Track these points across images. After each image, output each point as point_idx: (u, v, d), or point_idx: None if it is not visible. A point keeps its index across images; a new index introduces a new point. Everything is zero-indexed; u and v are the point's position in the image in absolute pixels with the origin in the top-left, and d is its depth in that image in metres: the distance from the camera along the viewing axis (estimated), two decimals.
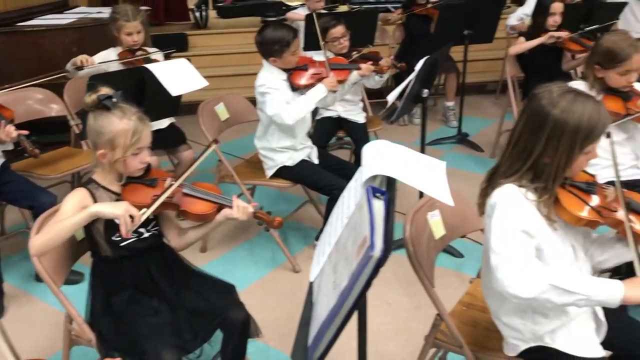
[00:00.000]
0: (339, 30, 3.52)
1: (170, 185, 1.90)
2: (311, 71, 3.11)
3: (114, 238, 1.88)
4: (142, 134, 1.82)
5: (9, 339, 1.24)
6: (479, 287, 1.97)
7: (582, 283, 1.54)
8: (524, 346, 1.77)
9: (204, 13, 6.57)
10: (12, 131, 2.68)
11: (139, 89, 2.80)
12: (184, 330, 1.91)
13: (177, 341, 1.86)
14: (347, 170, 2.88)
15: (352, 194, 1.63)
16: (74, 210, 1.79)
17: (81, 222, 1.76)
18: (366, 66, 3.26)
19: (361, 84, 3.69)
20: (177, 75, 2.82)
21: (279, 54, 2.95)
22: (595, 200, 1.74)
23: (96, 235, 1.88)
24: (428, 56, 2.92)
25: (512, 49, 4.21)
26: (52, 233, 1.74)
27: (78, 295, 2.04)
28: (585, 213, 1.69)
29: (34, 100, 3.43)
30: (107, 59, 3.31)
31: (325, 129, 3.68)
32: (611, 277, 2.67)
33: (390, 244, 1.29)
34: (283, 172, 3.09)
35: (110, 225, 1.86)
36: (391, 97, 3.03)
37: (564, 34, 3.99)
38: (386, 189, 1.50)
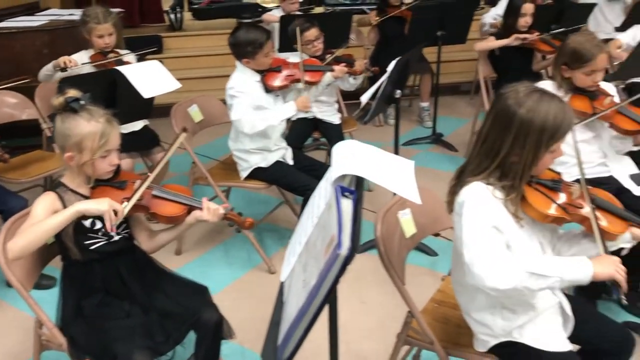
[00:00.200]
0: (312, 32, 3.54)
1: (147, 178, 1.89)
2: (285, 72, 3.12)
3: (84, 242, 1.87)
4: (110, 136, 1.81)
5: None
6: (450, 285, 1.99)
7: (555, 266, 1.58)
8: (493, 342, 1.80)
9: (178, 15, 6.53)
10: None
11: (111, 92, 2.78)
12: (156, 333, 1.90)
13: (148, 343, 1.86)
14: (322, 171, 2.87)
15: (323, 193, 1.64)
16: (45, 214, 1.78)
17: (65, 222, 1.76)
18: (339, 68, 3.28)
19: (336, 85, 3.71)
20: (149, 77, 2.81)
21: (252, 55, 2.95)
22: (561, 197, 1.78)
23: (65, 239, 1.87)
24: (400, 57, 2.95)
25: (477, 45, 4.30)
26: (32, 235, 1.73)
27: (50, 300, 2.02)
28: (551, 210, 1.73)
29: (4, 104, 3.39)
30: (79, 62, 3.28)
31: (300, 130, 3.69)
32: None
33: (357, 243, 1.31)
34: (257, 174, 3.10)
35: (80, 229, 1.85)
36: (364, 98, 3.06)
37: (529, 36, 4.06)
38: (355, 188, 1.51)
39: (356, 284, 2.99)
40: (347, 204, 1.42)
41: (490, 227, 1.63)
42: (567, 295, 1.89)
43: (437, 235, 2.89)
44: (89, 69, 3.26)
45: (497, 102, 1.71)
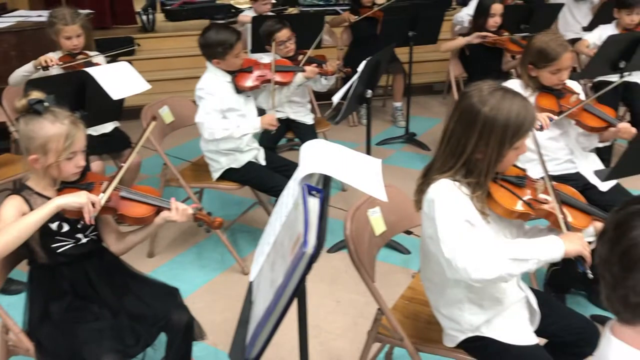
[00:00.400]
0: (284, 33, 3.54)
1: (120, 169, 1.89)
2: (256, 73, 3.12)
3: (51, 245, 1.85)
4: (76, 138, 1.79)
5: None
6: (421, 282, 2.01)
7: (530, 248, 1.62)
8: (462, 337, 1.83)
9: (151, 16, 6.48)
10: None
11: (80, 93, 2.75)
12: (126, 335, 1.89)
13: (118, 346, 1.84)
14: (295, 171, 2.90)
15: (291, 192, 1.65)
16: (15, 216, 1.76)
17: (45, 218, 1.74)
18: (311, 68, 3.29)
19: (308, 85, 3.72)
20: (118, 79, 2.78)
21: (222, 56, 2.95)
22: (525, 193, 1.81)
23: (32, 242, 1.84)
24: (370, 57, 2.97)
25: (443, 46, 4.37)
26: (10, 234, 1.69)
27: (19, 305, 1.99)
28: (516, 206, 1.76)
29: None
30: None
31: (273, 131, 3.68)
32: (550, 267, 2.78)
33: (323, 241, 1.31)
34: (229, 175, 3.09)
35: (47, 232, 1.83)
36: (336, 98, 3.07)
37: (489, 34, 4.14)
38: (322, 187, 1.52)
39: (331, 284, 3.00)
40: (314, 203, 1.42)
41: (463, 221, 1.64)
42: (534, 290, 1.93)
43: (409, 233, 2.93)
44: (57, 70, 3.21)
45: (461, 100, 1.74)
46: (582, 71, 3.78)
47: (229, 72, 3.02)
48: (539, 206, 1.79)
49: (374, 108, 5.80)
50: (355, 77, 2.92)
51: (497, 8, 4.19)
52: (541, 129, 2.56)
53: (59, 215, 1.80)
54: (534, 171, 1.95)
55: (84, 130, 1.85)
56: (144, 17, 6.45)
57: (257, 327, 1.41)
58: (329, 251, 3.28)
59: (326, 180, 1.56)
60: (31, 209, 1.79)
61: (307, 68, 3.28)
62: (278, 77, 3.20)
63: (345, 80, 4.76)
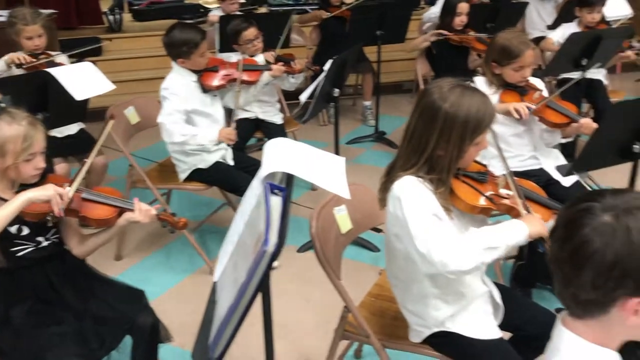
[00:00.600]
0: (251, 32, 3.53)
1: (84, 164, 1.87)
2: (222, 72, 3.10)
3: (11, 249, 1.82)
4: (34, 139, 1.76)
5: None
6: (387, 278, 2.02)
7: (498, 235, 1.65)
8: (427, 332, 1.84)
9: (117, 16, 6.39)
10: None
11: (42, 94, 2.69)
12: (89, 339, 1.87)
13: (82, 350, 1.82)
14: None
15: (254, 191, 1.65)
16: None
17: (14, 212, 1.72)
18: (277, 67, 3.28)
19: (276, 84, 3.71)
20: (81, 79, 2.74)
21: (187, 55, 2.93)
22: (487, 188, 1.83)
23: None
24: (336, 56, 2.98)
25: (408, 45, 4.41)
26: None
27: None
28: (478, 201, 1.78)
29: None
30: None
31: (242, 131, 3.65)
32: (515, 262, 2.83)
33: (283, 239, 1.31)
34: (197, 175, 3.06)
35: (6, 236, 1.79)
36: (303, 97, 3.07)
37: (447, 32, 4.20)
38: (285, 186, 1.52)
39: (301, 283, 3.00)
40: (276, 201, 1.42)
41: (432, 215, 1.66)
42: (498, 284, 1.95)
43: (379, 231, 2.94)
44: (19, 71, 3.15)
45: (422, 98, 1.76)
46: (546, 69, 3.84)
47: (194, 71, 3.00)
48: (500, 201, 1.81)
49: (344, 107, 5.82)
50: (322, 76, 2.93)
51: (463, 7, 4.24)
52: (520, 118, 2.60)
53: (19, 219, 1.77)
54: (499, 167, 1.98)
55: (43, 131, 1.82)
56: (111, 17, 6.36)
57: (220, 327, 1.40)
58: (299, 251, 3.28)
59: (289, 179, 1.56)
60: None
61: (274, 67, 3.28)
62: (245, 76, 3.18)
63: (314, 78, 4.78)
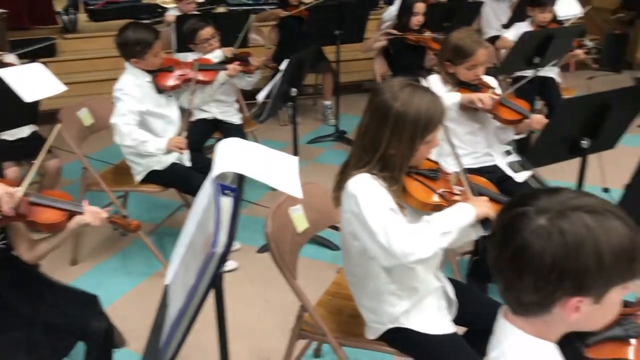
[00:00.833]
0: (207, 31, 3.50)
1: (30, 171, 1.83)
2: (177, 72, 3.07)
3: None
4: None
5: None
6: (345, 276, 2.03)
7: (449, 220, 1.68)
8: (383, 329, 1.86)
9: (72, 16, 6.26)
10: None
11: None
12: (41, 346, 1.83)
13: (33, 358, 1.78)
14: None
15: (206, 192, 1.63)
16: None
17: None
18: (233, 66, 3.26)
19: (234, 84, 3.69)
20: (31, 81, 2.67)
21: (141, 55, 2.88)
22: (439, 185, 1.85)
23: None
24: (292, 56, 2.97)
25: (362, 47, 4.45)
26: None
27: None
28: (430, 198, 1.80)
29: None
30: None
31: (199, 131, 3.63)
32: (471, 258, 2.87)
33: (232, 240, 1.31)
34: (153, 177, 3.02)
35: None
36: (260, 97, 3.06)
37: (395, 32, 4.26)
38: (237, 186, 1.51)
39: (261, 284, 2.99)
40: (226, 202, 1.41)
41: (388, 209, 1.67)
42: (451, 280, 1.98)
43: (338, 229, 2.94)
44: None
45: (374, 97, 1.77)
46: (499, 67, 3.92)
47: (148, 71, 2.96)
48: (452, 198, 1.84)
49: (305, 107, 5.83)
50: (278, 75, 2.92)
51: (419, 7, 4.29)
52: (482, 108, 2.65)
53: None
54: (453, 164, 2.00)
55: None
56: (65, 17, 6.22)
57: (170, 330, 1.38)
58: (259, 251, 3.27)
59: (241, 179, 1.55)
60: None
61: (230, 66, 3.25)
62: (200, 76, 3.15)
63: (273, 78, 4.77)
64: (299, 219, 2.07)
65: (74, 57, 5.86)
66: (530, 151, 2.39)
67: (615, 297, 0.98)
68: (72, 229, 1.90)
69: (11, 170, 3.15)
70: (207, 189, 1.63)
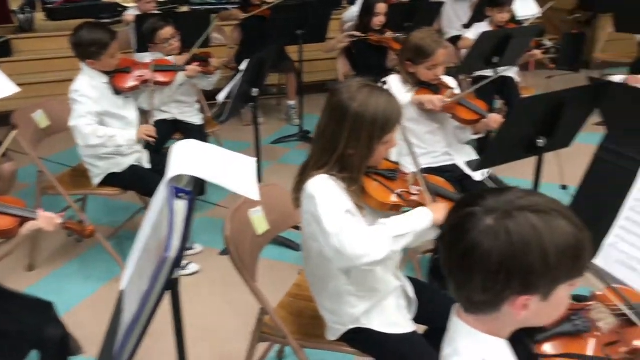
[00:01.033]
0: (167, 31, 3.45)
1: None
2: (135, 73, 3.01)
3: None
4: None
5: None
6: (306, 278, 2.02)
7: (405, 223, 1.68)
8: (343, 329, 1.85)
9: (29, 15, 6.10)
10: None
11: None
12: None
13: None
14: None
15: (161, 195, 1.60)
16: None
17: None
18: (192, 67, 3.22)
19: (195, 84, 3.64)
20: None
21: (97, 56, 2.82)
22: (397, 185, 1.86)
23: None
24: (252, 56, 2.95)
25: (324, 47, 4.46)
26: None
27: None
28: (389, 199, 1.81)
29: None
30: None
31: (159, 132, 3.54)
32: (432, 256, 2.90)
33: (185, 244, 1.29)
34: (111, 179, 2.97)
35: None
36: (220, 97, 3.03)
37: (357, 33, 4.29)
38: (192, 189, 1.49)
39: (223, 286, 2.97)
40: (180, 205, 1.39)
41: (345, 211, 1.67)
42: (411, 278, 1.99)
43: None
44: None
45: (332, 97, 1.76)
46: (459, 67, 3.97)
47: (105, 72, 2.90)
48: (410, 197, 1.85)
49: (269, 107, 5.81)
50: (238, 76, 2.90)
51: (381, 7, 4.31)
52: (433, 109, 2.67)
53: None
54: (412, 164, 2.01)
55: None
56: (21, 16, 6.07)
57: (124, 336, 1.36)
58: (221, 254, 3.23)
59: (196, 182, 1.53)
60: None
61: (189, 67, 3.21)
62: (159, 77, 3.11)
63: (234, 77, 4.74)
64: (259, 221, 2.05)
65: (30, 57, 5.71)
66: (486, 151, 2.42)
67: (563, 294, 0.99)
68: (25, 235, 1.86)
69: None
70: (161, 192, 1.61)
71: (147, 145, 3.16)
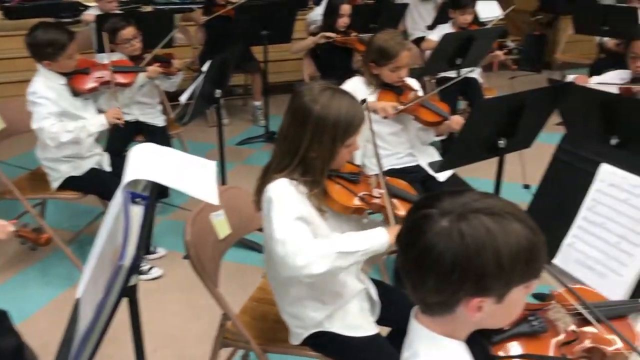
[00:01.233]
0: (129, 31, 3.39)
1: None
2: (94, 74, 2.95)
3: None
4: None
5: None
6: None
7: (357, 241, 1.66)
8: (306, 333, 1.84)
9: None
10: None
11: None
12: None
13: None
14: None
15: (117, 201, 1.57)
16: None
17: None
18: (153, 68, 3.17)
19: (157, 85, 3.59)
20: None
21: (54, 57, 2.75)
22: (360, 188, 1.86)
23: None
24: (214, 57, 2.92)
25: (293, 47, 4.44)
26: None
27: None
28: (351, 202, 1.80)
29: None
30: None
31: (121, 134, 3.50)
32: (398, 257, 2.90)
33: (141, 252, 1.26)
34: (71, 183, 2.90)
35: None
36: (183, 98, 2.99)
37: (331, 34, 4.29)
38: (149, 194, 1.46)
39: (187, 291, 2.92)
40: (137, 211, 1.36)
41: (296, 219, 1.65)
42: (375, 281, 1.99)
43: None
44: None
45: (294, 100, 1.75)
46: (422, 68, 3.99)
47: (63, 74, 2.82)
48: (372, 200, 1.85)
49: (235, 107, 5.77)
50: (201, 77, 2.86)
51: (345, 8, 4.31)
52: (385, 117, 2.67)
53: None
54: (376, 166, 2.01)
55: None
56: None
57: (79, 345, 1.32)
58: (185, 257, 3.17)
59: (158, 185, 1.50)
60: None
61: (150, 68, 3.16)
62: (119, 78, 3.05)
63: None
64: (221, 225, 2.02)
65: None
66: (449, 152, 2.43)
67: (518, 296, 1.00)
68: None
69: None
70: (118, 197, 1.57)
71: (107, 148, 3.10)
